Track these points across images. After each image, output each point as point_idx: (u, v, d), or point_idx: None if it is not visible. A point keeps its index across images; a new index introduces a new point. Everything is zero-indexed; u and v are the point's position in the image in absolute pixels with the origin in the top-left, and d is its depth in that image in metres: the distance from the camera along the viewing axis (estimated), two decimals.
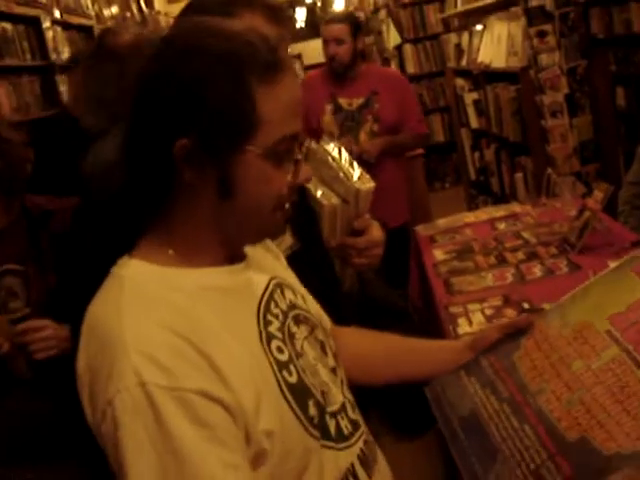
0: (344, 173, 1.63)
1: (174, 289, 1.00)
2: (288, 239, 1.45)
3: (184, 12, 1.43)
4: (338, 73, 3.81)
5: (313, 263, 1.32)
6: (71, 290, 1.23)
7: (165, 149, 0.96)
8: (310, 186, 1.62)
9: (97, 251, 1.10)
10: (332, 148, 1.69)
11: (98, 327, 0.97)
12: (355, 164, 1.68)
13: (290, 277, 1.27)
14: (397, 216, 3.84)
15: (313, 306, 1.27)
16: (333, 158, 1.66)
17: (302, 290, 1.27)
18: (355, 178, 1.63)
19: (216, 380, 0.93)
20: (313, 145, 1.70)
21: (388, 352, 1.40)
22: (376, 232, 1.68)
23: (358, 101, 3.71)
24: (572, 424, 1.08)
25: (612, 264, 2.42)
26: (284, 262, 1.31)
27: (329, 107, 3.84)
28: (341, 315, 1.31)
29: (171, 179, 0.99)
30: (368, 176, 1.67)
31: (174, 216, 1.03)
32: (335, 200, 1.62)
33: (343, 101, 3.78)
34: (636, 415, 1.03)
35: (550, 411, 1.12)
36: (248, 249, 1.15)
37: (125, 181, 1.05)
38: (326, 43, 3.84)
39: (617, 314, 1.18)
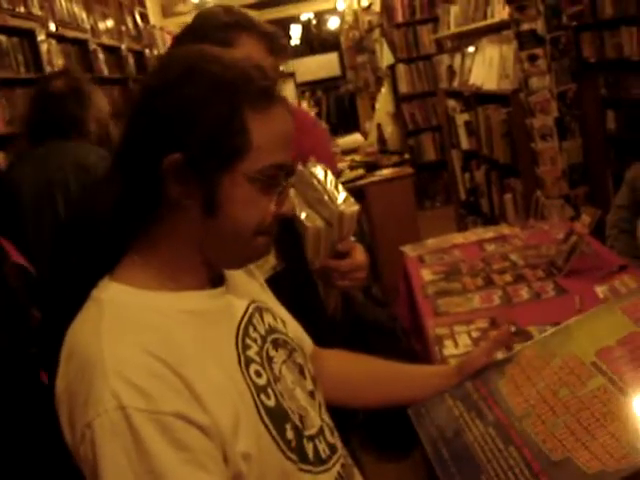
0: (329, 196, 1.64)
1: (154, 312, 1.01)
2: (271, 260, 1.45)
3: (183, 33, 1.45)
4: None
5: (296, 284, 1.33)
6: (52, 313, 1.23)
7: (154, 164, 0.99)
8: (295, 208, 1.63)
9: (77, 272, 1.11)
10: (318, 171, 1.69)
11: (77, 350, 0.98)
12: (340, 187, 1.68)
13: (269, 300, 1.27)
14: None
15: (292, 329, 1.27)
16: (318, 180, 1.66)
17: (281, 313, 1.28)
18: (339, 201, 1.64)
19: (194, 403, 0.94)
20: (299, 167, 1.70)
21: (372, 376, 1.40)
22: (359, 255, 1.68)
23: None
24: (556, 445, 1.09)
25: (598, 288, 2.47)
26: (264, 284, 1.31)
27: None
28: (324, 337, 1.31)
29: (157, 195, 1.01)
30: (353, 199, 1.68)
31: (158, 234, 1.04)
32: (319, 222, 1.63)
33: None
34: (620, 437, 1.04)
35: (535, 434, 1.13)
36: (228, 272, 1.16)
37: (110, 198, 1.06)
38: None
39: (605, 348, 1.20)
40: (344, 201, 1.64)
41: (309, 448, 1.10)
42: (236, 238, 1.05)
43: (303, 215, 1.62)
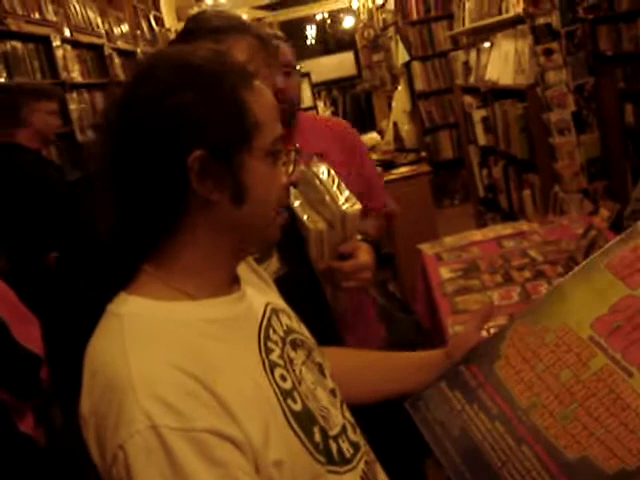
0: (330, 196, 1.62)
1: (176, 324, 0.99)
2: (274, 263, 1.44)
3: (177, 38, 1.46)
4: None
5: (300, 288, 1.31)
6: (65, 331, 1.22)
7: (174, 169, 0.98)
8: (297, 210, 1.62)
9: (90, 290, 1.09)
10: (321, 170, 1.67)
11: (102, 368, 0.96)
12: (343, 186, 1.66)
13: (281, 301, 1.26)
14: (370, 343, 2.17)
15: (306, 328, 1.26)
16: (320, 181, 1.64)
17: (293, 313, 1.26)
18: (341, 201, 1.61)
19: (225, 417, 0.92)
20: (302, 167, 1.67)
21: (358, 370, 1.39)
22: (363, 255, 1.66)
23: None
24: (570, 442, 1.05)
25: None
26: (274, 286, 1.30)
27: None
28: (330, 340, 1.28)
29: (180, 203, 1.00)
30: (355, 199, 1.65)
31: (179, 243, 1.03)
32: (321, 225, 1.61)
33: None
34: (634, 428, 1.01)
35: (546, 428, 1.09)
36: (242, 275, 1.15)
37: (119, 215, 1.04)
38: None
39: (599, 318, 1.14)
40: (346, 201, 1.62)
41: (334, 448, 1.09)
42: (264, 218, 1.07)
43: (305, 217, 1.61)
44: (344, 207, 1.61)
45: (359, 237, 1.69)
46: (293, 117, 2.10)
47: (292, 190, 1.62)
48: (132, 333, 0.97)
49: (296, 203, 1.63)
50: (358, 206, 1.65)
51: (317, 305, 1.31)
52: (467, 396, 1.21)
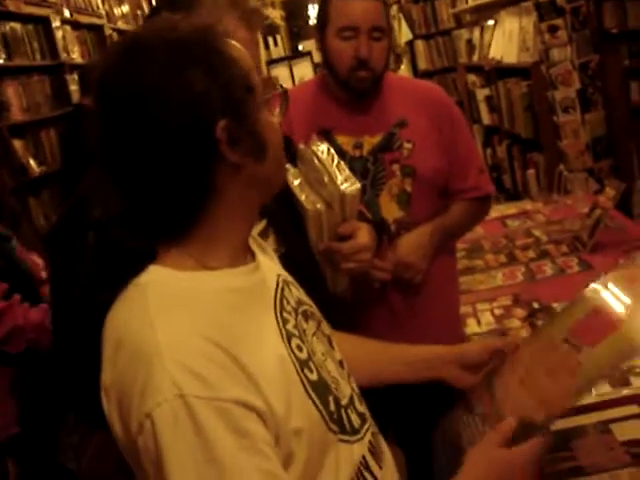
0: (329, 176, 1.58)
1: (199, 293, 0.99)
2: (271, 244, 1.40)
3: (152, 14, 1.43)
4: (356, 93, 1.96)
5: (297, 268, 1.28)
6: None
7: (204, 144, 0.97)
8: (296, 189, 1.59)
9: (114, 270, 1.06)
10: (320, 149, 1.64)
11: (128, 336, 0.95)
12: (343, 164, 1.63)
13: (288, 274, 1.25)
14: (451, 337, 1.92)
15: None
16: (319, 159, 1.61)
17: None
18: (340, 181, 1.58)
19: (250, 388, 0.92)
20: (301, 146, 1.66)
21: (365, 357, 1.40)
22: (362, 237, 1.63)
23: (372, 140, 1.98)
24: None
25: (623, 262, 2.42)
26: (277, 261, 1.29)
27: None
28: (328, 318, 1.27)
29: (209, 177, 0.99)
30: (354, 178, 1.62)
31: (204, 215, 1.01)
32: (320, 205, 1.59)
33: (345, 141, 1.97)
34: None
35: None
36: (253, 247, 1.15)
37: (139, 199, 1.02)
38: (344, 33, 1.90)
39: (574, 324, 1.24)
40: (345, 180, 1.59)
41: (344, 418, 1.09)
42: (280, 166, 1.11)
43: (303, 197, 1.59)
44: (343, 187, 1.58)
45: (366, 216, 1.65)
46: (375, 84, 1.95)
47: (291, 169, 1.60)
48: (156, 301, 0.96)
49: (295, 182, 1.61)
50: (357, 185, 1.61)
51: (313, 287, 1.28)
52: (482, 420, 1.27)
